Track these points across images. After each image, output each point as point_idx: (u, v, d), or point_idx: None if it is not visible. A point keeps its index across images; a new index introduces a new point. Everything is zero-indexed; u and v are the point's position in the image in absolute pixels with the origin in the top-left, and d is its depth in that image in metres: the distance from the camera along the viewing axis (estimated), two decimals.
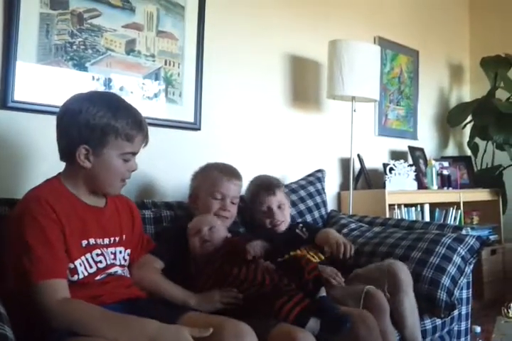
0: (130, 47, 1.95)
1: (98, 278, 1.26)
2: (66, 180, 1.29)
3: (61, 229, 1.19)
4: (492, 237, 3.38)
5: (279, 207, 1.92)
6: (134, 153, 1.35)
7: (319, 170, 2.55)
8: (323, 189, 2.48)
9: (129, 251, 1.41)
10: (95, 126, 1.24)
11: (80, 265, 1.22)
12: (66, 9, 1.77)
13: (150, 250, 1.52)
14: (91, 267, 1.24)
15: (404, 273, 1.68)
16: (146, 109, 1.98)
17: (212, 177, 1.75)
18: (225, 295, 1.38)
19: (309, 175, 2.50)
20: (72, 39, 1.78)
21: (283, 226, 1.93)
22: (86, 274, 1.23)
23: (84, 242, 1.25)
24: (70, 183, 1.29)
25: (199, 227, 1.58)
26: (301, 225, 1.99)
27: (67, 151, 1.28)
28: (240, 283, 1.42)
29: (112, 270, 1.31)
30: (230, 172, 1.78)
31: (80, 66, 1.81)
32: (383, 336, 1.45)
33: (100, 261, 1.27)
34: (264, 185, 1.95)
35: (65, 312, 1.09)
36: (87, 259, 1.24)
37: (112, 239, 1.35)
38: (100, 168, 1.28)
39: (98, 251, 1.28)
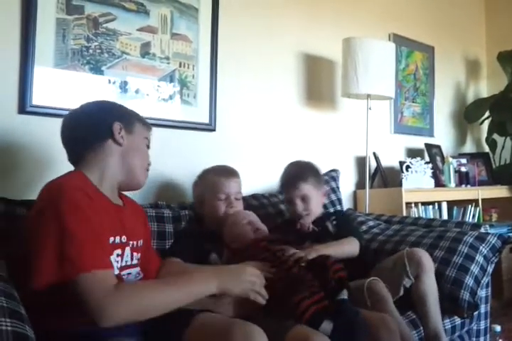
0: (145, 50, 1.97)
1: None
2: (89, 174, 1.25)
3: (100, 219, 1.14)
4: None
5: (303, 199, 1.91)
6: (148, 146, 1.40)
7: (333, 170, 2.55)
8: (337, 187, 2.48)
9: (140, 255, 1.36)
10: (121, 110, 1.35)
11: (114, 262, 1.18)
12: (82, 14, 1.79)
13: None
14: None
15: (424, 256, 1.68)
16: (162, 111, 2.02)
17: (210, 180, 1.79)
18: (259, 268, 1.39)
19: (324, 175, 2.49)
20: (88, 43, 1.81)
21: (309, 219, 1.91)
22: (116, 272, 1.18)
23: (111, 239, 1.20)
24: (94, 176, 1.25)
25: (248, 218, 1.68)
26: (333, 218, 1.96)
27: (98, 134, 1.28)
28: (274, 259, 1.47)
29: (125, 271, 1.25)
30: (225, 172, 1.82)
31: (96, 70, 1.83)
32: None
33: (117, 261, 1.22)
34: (288, 178, 1.98)
35: (125, 294, 1.03)
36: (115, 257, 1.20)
37: (131, 242, 1.30)
38: (132, 148, 1.31)
39: (119, 251, 1.23)
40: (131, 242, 1.30)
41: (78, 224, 1.06)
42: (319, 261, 1.49)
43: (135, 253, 1.32)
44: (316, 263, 1.48)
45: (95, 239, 1.08)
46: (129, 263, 1.27)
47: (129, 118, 1.34)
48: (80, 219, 1.07)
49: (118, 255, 1.22)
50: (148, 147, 1.39)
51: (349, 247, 1.76)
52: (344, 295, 1.36)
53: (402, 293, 1.66)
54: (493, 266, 1.91)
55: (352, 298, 1.39)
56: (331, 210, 2.30)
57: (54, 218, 1.06)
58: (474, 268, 1.81)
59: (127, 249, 1.26)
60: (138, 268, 1.33)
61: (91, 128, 1.29)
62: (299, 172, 1.97)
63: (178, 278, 1.17)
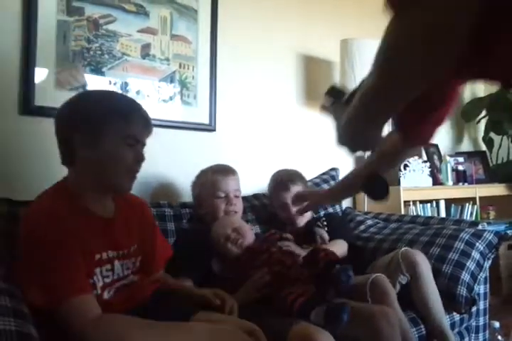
0: (145, 52, 1.98)
1: (106, 294, 1.18)
2: (73, 185, 1.22)
3: (78, 242, 1.11)
4: (509, 232, 3.35)
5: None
6: (137, 140, 1.24)
7: (333, 169, 2.56)
8: None
9: (139, 257, 1.34)
10: (87, 113, 1.19)
11: (98, 280, 1.16)
12: (82, 16, 1.80)
13: (167, 258, 1.47)
14: (99, 281, 1.18)
15: (419, 256, 1.71)
16: (162, 112, 2.03)
17: (208, 180, 1.81)
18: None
19: (323, 174, 2.51)
20: (89, 45, 1.82)
21: (301, 221, 1.95)
22: (99, 291, 1.16)
23: (97, 256, 1.18)
24: (77, 188, 1.21)
25: (225, 233, 1.65)
26: (323, 219, 1.99)
27: (65, 148, 1.22)
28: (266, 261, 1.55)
29: (118, 284, 1.23)
30: (223, 170, 1.84)
31: (97, 71, 1.84)
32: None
33: (107, 276, 1.20)
34: (278, 182, 2.01)
35: (102, 329, 1.01)
36: (101, 273, 1.18)
37: (121, 252, 1.26)
38: (102, 157, 1.19)
39: (108, 266, 1.21)
40: (121, 252, 1.26)
41: (55, 253, 1.06)
42: (310, 252, 1.57)
43: (130, 259, 1.29)
44: (308, 254, 1.56)
45: (73, 266, 1.08)
46: (121, 275, 1.25)
47: (95, 124, 1.18)
48: (54, 247, 1.07)
49: (108, 270, 1.20)
50: (132, 144, 1.22)
51: (338, 248, 1.79)
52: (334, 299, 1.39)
53: (398, 288, 1.68)
54: (490, 262, 1.93)
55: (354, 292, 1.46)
56: (322, 213, 2.30)
57: (33, 249, 1.08)
58: (470, 264, 1.83)
59: (117, 263, 1.24)
60: (132, 277, 1.29)
61: (59, 141, 1.24)
62: (288, 176, 2.02)
63: (164, 325, 1.06)
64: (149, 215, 1.45)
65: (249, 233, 1.69)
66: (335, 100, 1.02)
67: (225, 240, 1.64)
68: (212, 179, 1.80)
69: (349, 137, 0.83)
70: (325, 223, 1.94)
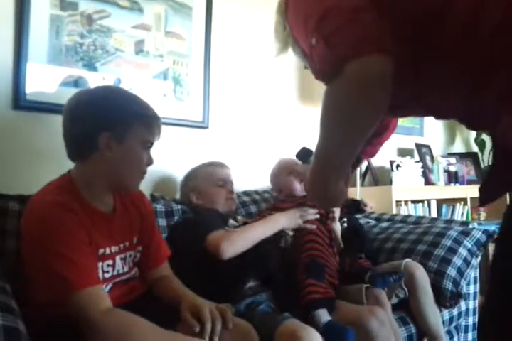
0: (139, 48, 1.98)
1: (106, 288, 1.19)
2: (78, 180, 1.22)
3: (87, 234, 1.13)
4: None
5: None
6: (152, 143, 1.30)
7: None
8: None
9: (139, 248, 1.35)
10: (117, 112, 1.21)
11: (105, 273, 1.19)
12: (75, 10, 1.79)
13: (167, 257, 1.46)
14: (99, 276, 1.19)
15: (419, 270, 1.73)
16: (155, 109, 2.01)
17: (206, 171, 1.87)
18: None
19: None
20: (82, 40, 1.81)
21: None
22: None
23: (101, 251, 1.19)
24: (82, 183, 1.22)
25: (290, 168, 1.90)
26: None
27: (83, 144, 1.21)
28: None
29: (117, 279, 1.25)
30: (218, 163, 1.93)
31: (90, 66, 1.83)
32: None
33: (107, 271, 1.22)
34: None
35: (112, 323, 1.02)
36: (102, 267, 1.20)
37: (122, 245, 1.28)
38: (122, 158, 1.22)
39: (110, 261, 1.22)
40: (122, 245, 1.28)
41: (66, 244, 1.07)
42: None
43: (129, 252, 1.31)
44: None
45: (83, 256, 1.09)
46: (121, 271, 1.27)
47: (124, 124, 1.21)
48: (65, 238, 1.08)
49: (108, 265, 1.22)
50: (148, 147, 1.29)
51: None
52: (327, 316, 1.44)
53: (394, 300, 1.69)
54: (478, 259, 1.95)
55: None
56: None
57: (42, 240, 1.08)
58: (457, 261, 1.84)
59: (118, 259, 1.26)
60: (133, 272, 1.32)
61: (76, 139, 1.23)
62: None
63: (171, 334, 1.08)
64: (147, 204, 1.46)
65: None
66: (304, 161, 1.12)
67: (289, 172, 1.88)
68: (210, 169, 1.87)
69: (314, 193, 0.89)
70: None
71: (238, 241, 1.52)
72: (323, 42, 0.70)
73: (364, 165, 2.94)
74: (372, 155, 1.25)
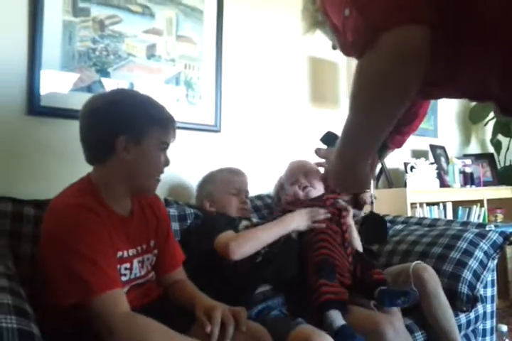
0: (151, 52, 1.99)
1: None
2: (98, 183, 1.23)
3: (109, 235, 1.14)
4: None
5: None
6: (168, 145, 1.31)
7: None
8: None
9: (156, 251, 1.36)
10: (133, 115, 1.22)
11: (123, 276, 1.20)
12: (88, 16, 1.81)
13: (182, 261, 1.46)
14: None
15: (428, 273, 1.69)
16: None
17: (222, 178, 1.86)
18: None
19: None
20: (95, 45, 1.83)
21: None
22: None
23: (119, 254, 1.20)
24: (102, 186, 1.23)
25: (295, 177, 1.85)
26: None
27: (101, 148, 1.22)
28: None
29: (134, 282, 1.26)
30: (236, 171, 1.91)
31: (103, 72, 1.85)
32: None
33: (125, 275, 1.22)
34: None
35: (129, 327, 1.02)
36: (119, 270, 1.20)
37: (139, 248, 1.29)
38: (140, 159, 1.23)
39: (127, 264, 1.23)
40: (139, 248, 1.29)
41: (88, 246, 1.07)
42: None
43: (147, 255, 1.31)
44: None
45: (105, 258, 1.09)
46: (138, 274, 1.27)
47: (140, 126, 1.22)
48: (88, 240, 1.08)
49: (126, 268, 1.23)
50: (164, 149, 1.30)
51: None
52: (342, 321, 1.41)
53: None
54: (495, 262, 1.90)
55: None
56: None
57: (64, 242, 1.07)
58: (473, 263, 1.80)
59: (135, 262, 1.27)
60: (150, 275, 1.32)
61: (94, 143, 1.24)
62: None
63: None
64: (162, 208, 1.47)
65: (319, 185, 1.84)
66: (329, 145, 1.10)
67: (293, 181, 1.85)
68: (227, 176, 1.86)
69: (342, 176, 0.87)
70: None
71: (247, 242, 1.51)
72: (357, 11, 0.67)
73: (378, 167, 2.91)
74: (400, 145, 1.23)
